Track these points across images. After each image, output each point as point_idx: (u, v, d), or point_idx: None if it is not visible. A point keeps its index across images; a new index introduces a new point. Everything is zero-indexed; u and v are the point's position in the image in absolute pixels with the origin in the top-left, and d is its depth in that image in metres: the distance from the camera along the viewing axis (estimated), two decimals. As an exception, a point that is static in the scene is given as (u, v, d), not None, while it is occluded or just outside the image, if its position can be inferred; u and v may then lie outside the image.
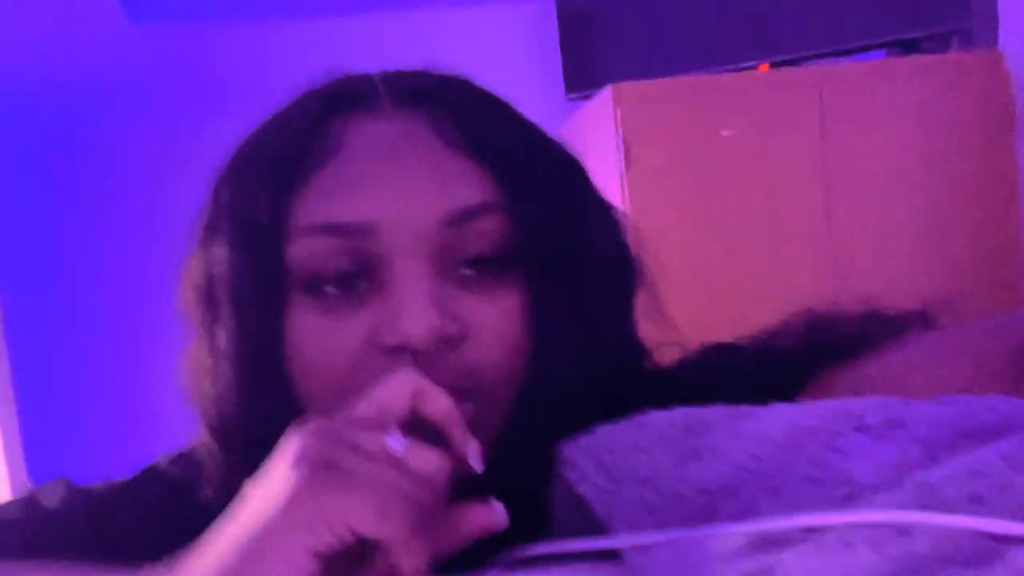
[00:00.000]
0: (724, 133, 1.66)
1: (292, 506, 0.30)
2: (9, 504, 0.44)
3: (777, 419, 0.34)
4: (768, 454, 0.32)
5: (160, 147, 1.91)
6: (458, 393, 0.37)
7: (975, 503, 0.24)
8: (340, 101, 0.44)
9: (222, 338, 0.42)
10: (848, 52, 1.79)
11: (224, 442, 0.43)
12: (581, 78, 1.90)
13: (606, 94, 1.65)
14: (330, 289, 0.41)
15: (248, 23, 1.90)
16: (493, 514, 0.35)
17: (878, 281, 1.60)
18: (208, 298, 0.43)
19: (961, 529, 0.23)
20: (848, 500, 0.28)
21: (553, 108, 1.87)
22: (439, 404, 0.35)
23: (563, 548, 0.38)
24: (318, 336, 0.41)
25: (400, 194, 0.41)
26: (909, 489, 0.27)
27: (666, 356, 0.54)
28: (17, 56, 1.85)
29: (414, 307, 0.39)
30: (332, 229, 0.41)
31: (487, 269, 0.42)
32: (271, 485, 0.31)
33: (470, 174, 0.42)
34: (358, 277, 0.41)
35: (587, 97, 1.82)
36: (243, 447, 0.42)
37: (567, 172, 0.47)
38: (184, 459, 0.47)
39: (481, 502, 0.35)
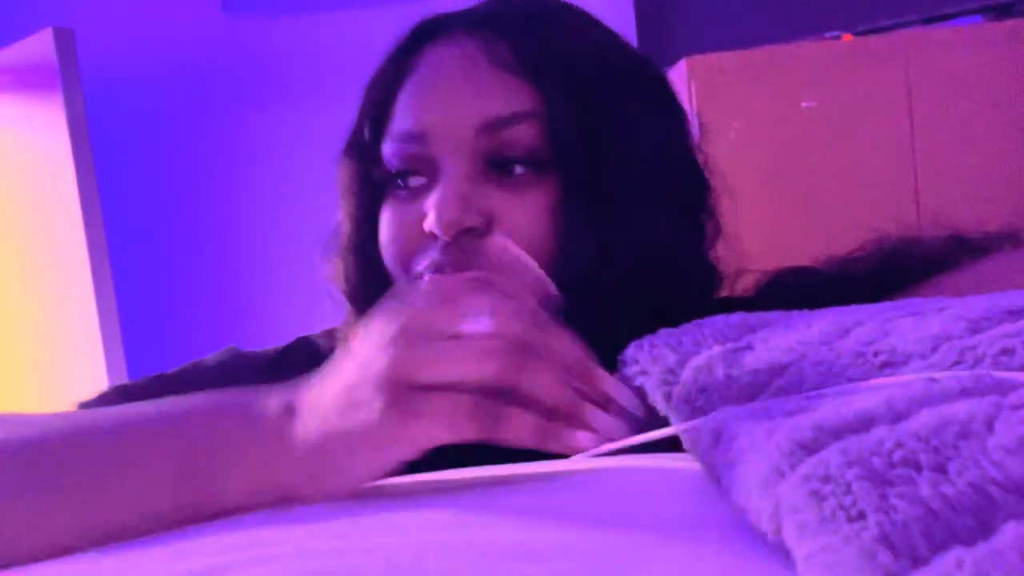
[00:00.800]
0: (804, 104, 1.64)
1: (376, 432, 0.30)
2: (178, 367, 0.54)
3: (831, 313, 0.36)
4: (818, 338, 0.34)
5: (252, 131, 2.01)
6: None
7: (1004, 355, 0.26)
8: (428, 32, 0.52)
9: (345, 224, 0.53)
10: (938, 19, 1.73)
11: (353, 309, 0.52)
12: (657, 51, 1.90)
13: (681, 67, 1.65)
14: (401, 184, 0.50)
15: (338, 9, 1.97)
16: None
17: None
18: (341, 194, 0.54)
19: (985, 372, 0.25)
20: (886, 367, 0.30)
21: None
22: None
23: (624, 443, 0.41)
24: (390, 222, 0.50)
25: (444, 107, 0.48)
26: (944, 352, 0.29)
27: (742, 284, 0.56)
28: (114, 48, 1.96)
29: (440, 202, 0.46)
30: (398, 136, 0.50)
31: (522, 171, 0.48)
32: (358, 389, 0.31)
33: (511, 87, 0.48)
34: (418, 175, 0.50)
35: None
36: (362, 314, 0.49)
37: (625, 87, 0.51)
38: (332, 332, 0.56)
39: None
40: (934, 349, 0.29)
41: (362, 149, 0.52)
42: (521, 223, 0.47)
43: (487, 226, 0.47)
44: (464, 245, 0.47)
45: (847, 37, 1.76)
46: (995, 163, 1.63)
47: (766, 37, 1.83)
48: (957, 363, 0.27)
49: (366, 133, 0.51)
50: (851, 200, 1.68)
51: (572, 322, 0.40)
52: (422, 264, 0.48)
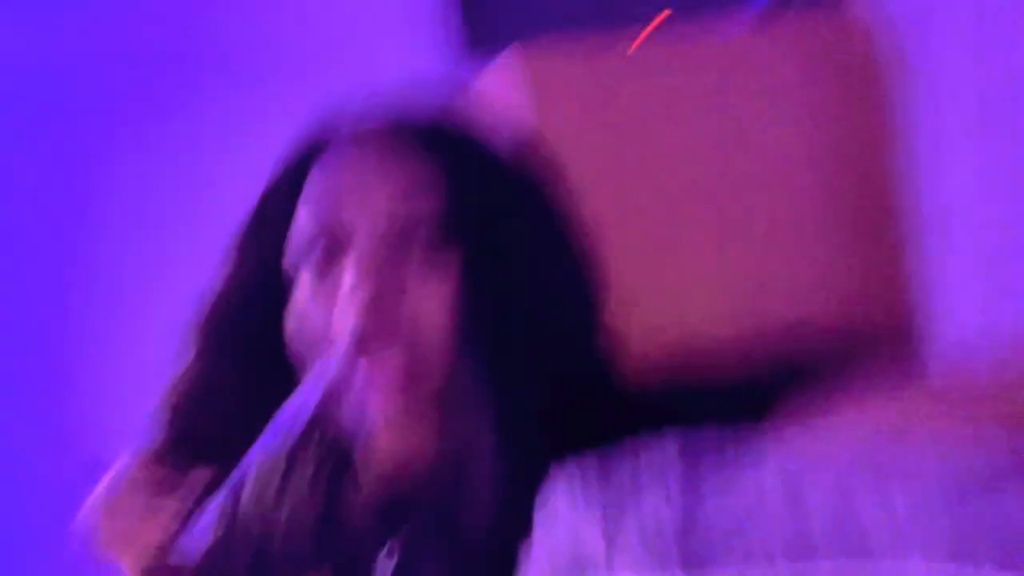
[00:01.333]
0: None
1: None
2: None
3: (780, 465, 0.35)
4: (773, 497, 0.33)
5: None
6: (399, 349, 0.51)
7: (1004, 551, 0.26)
8: (332, 130, 0.57)
9: (225, 303, 0.58)
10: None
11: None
12: (483, 37, 1.84)
13: (510, 54, 1.62)
14: (317, 267, 0.54)
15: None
16: None
17: (760, 276, 1.63)
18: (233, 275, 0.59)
19: None
20: (857, 553, 0.29)
21: (457, 70, 1.82)
22: None
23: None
24: (309, 302, 0.54)
25: (360, 203, 0.53)
26: (924, 537, 0.28)
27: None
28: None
29: (356, 283, 0.51)
30: (312, 227, 0.54)
31: (427, 252, 0.53)
32: None
33: (417, 186, 0.53)
34: (333, 257, 0.53)
35: (491, 56, 1.78)
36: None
37: (511, 186, 0.58)
38: None
39: None
40: (912, 531, 0.29)
41: (267, 238, 0.56)
42: (427, 298, 0.53)
43: (396, 310, 0.52)
44: (377, 326, 0.52)
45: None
46: (778, 177, 1.69)
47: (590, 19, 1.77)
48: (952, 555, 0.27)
49: (272, 222, 0.56)
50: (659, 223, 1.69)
51: (481, 387, 0.52)
52: (342, 337, 0.52)
